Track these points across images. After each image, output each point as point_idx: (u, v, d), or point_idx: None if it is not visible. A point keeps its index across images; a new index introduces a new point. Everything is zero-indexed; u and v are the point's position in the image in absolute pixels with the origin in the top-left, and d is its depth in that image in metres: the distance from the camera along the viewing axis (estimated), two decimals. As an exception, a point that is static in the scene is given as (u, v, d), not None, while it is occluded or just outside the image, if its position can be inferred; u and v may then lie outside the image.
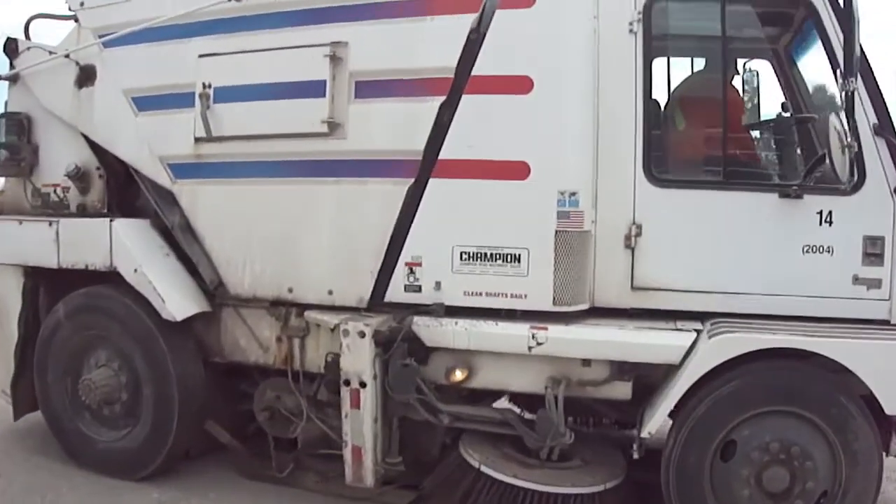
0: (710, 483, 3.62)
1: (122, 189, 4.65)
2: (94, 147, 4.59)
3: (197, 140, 4.22)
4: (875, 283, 3.71)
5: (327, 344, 4.07)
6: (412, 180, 3.89)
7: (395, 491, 4.16)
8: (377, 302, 4.00)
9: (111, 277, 4.29)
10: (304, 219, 4.09)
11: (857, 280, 3.72)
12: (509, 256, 3.81)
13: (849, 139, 3.38)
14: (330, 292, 4.04)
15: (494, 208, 3.83)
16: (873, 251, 3.70)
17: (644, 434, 3.63)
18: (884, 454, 3.63)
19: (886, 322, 3.71)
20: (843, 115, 3.44)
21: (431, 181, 3.88)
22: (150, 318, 4.16)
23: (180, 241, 4.27)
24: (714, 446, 3.60)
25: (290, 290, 4.10)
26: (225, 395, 4.43)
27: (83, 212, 4.59)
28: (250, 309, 4.24)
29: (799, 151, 4.17)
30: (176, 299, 4.15)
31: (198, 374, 4.27)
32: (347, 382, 3.82)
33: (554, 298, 3.78)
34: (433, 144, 3.86)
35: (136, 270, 4.19)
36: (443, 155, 3.86)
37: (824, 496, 3.56)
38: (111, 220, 4.34)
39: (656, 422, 3.62)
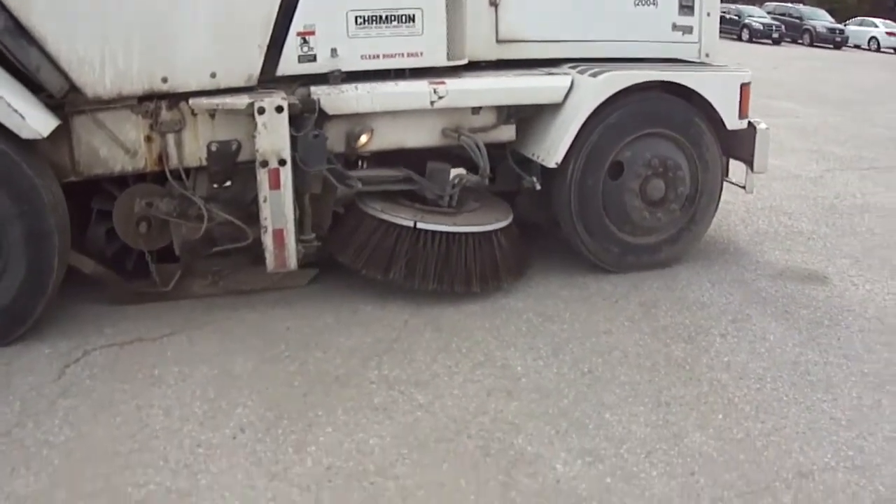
0: (603, 199, 4.30)
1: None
2: None
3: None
4: (688, 30, 4.62)
5: (209, 132, 3.72)
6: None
7: (295, 272, 4.00)
8: (268, 77, 3.74)
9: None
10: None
11: (675, 27, 4.59)
12: (404, 17, 3.87)
13: None
14: (213, 75, 3.63)
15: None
16: (687, 3, 4.59)
17: (551, 164, 4.12)
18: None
19: (694, 61, 4.67)
20: None
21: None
22: (4, 144, 3.32)
23: (9, 49, 3.37)
24: (605, 168, 4.25)
25: (165, 80, 3.58)
26: (75, 220, 3.75)
27: None
28: (110, 111, 3.58)
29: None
30: (34, 113, 3.34)
31: (62, 199, 3.53)
32: (265, 164, 3.59)
33: (448, 54, 3.98)
34: None
35: None
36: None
37: (686, 199, 4.48)
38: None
39: (561, 152, 4.12)
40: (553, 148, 4.13)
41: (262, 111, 3.53)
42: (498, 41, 4.25)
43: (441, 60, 3.97)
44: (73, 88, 3.51)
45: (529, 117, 4.27)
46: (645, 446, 2.90)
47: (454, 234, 3.95)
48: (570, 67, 4.27)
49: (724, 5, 33.06)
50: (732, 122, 4.43)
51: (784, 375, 3.44)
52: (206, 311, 3.90)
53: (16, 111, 3.26)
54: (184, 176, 3.77)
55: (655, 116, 4.30)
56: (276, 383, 3.28)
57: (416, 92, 3.90)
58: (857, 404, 3.23)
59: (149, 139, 3.68)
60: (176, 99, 3.66)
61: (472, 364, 3.46)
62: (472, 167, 4.21)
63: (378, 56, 3.88)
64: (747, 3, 33.68)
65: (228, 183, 3.91)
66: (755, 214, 5.73)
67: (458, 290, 3.96)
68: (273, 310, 3.94)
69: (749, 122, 4.53)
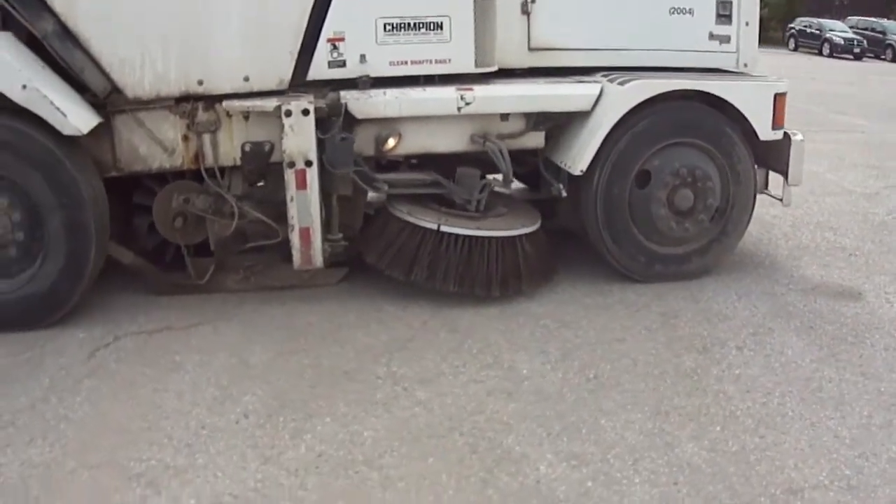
0: (629, 208, 4.30)
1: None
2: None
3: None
4: (726, 39, 4.57)
5: (242, 133, 3.92)
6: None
7: (325, 271, 4.19)
8: (298, 82, 3.92)
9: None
10: (212, 5, 3.78)
11: (712, 36, 4.55)
12: (432, 24, 3.98)
13: None
14: (246, 79, 3.84)
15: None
16: (724, 13, 4.54)
17: (577, 172, 4.16)
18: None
19: (733, 71, 4.62)
20: None
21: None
22: (50, 140, 3.59)
23: (57, 52, 3.64)
24: (633, 176, 4.25)
25: (201, 83, 3.80)
26: (115, 213, 4.01)
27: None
28: (150, 111, 3.84)
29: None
30: (76, 111, 3.62)
31: (103, 193, 3.81)
32: (292, 164, 3.77)
33: (476, 60, 4.07)
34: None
35: (24, 87, 3.51)
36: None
37: (717, 211, 4.44)
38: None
39: (586, 159, 4.15)
40: (579, 155, 4.15)
41: (288, 114, 3.71)
42: (530, 49, 4.31)
43: (469, 67, 4.07)
44: (115, 89, 3.77)
45: (561, 125, 4.32)
46: (633, 453, 2.90)
47: (477, 237, 4.02)
48: (603, 76, 4.29)
49: (806, 19, 32.19)
50: (765, 132, 4.35)
51: (794, 391, 3.35)
52: (236, 304, 4.10)
53: (58, 109, 3.53)
54: (218, 175, 3.98)
55: (684, 126, 4.26)
56: (288, 374, 3.43)
57: (443, 98, 4.00)
58: (867, 423, 3.12)
59: (186, 138, 3.91)
60: (211, 101, 3.88)
61: (480, 365, 3.52)
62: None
63: (406, 62, 4.00)
64: (831, 17, 32.44)
65: (262, 182, 4.12)
66: (800, 229, 5.56)
67: (478, 293, 4.03)
68: (299, 305, 4.10)
69: (785, 133, 4.44)
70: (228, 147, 3.95)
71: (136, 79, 3.76)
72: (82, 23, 3.66)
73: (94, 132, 3.75)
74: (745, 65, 4.62)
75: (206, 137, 3.92)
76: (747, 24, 4.55)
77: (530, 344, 3.72)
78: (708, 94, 4.25)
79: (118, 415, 3.12)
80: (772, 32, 33.58)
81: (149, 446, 2.90)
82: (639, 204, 4.28)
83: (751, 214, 4.52)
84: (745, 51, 4.60)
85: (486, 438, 2.98)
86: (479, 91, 4.03)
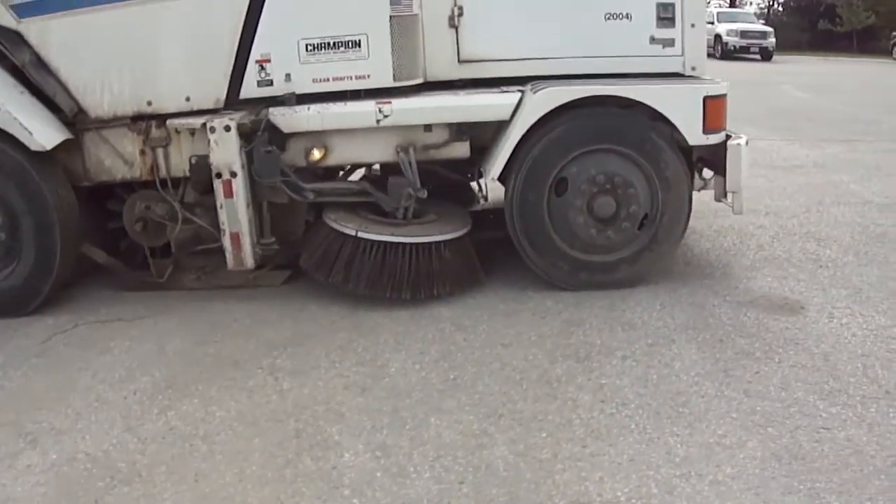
0: (548, 215, 4.34)
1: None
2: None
3: (34, -25, 4.28)
4: (669, 43, 4.47)
5: (189, 148, 4.39)
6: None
7: (270, 273, 4.65)
8: (233, 101, 4.33)
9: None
10: (156, 36, 4.30)
11: (653, 40, 4.46)
12: (350, 43, 4.25)
13: None
14: (188, 99, 4.32)
15: (333, 1, 4.23)
16: (666, 15, 4.44)
17: (488, 178, 4.28)
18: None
19: (680, 75, 4.51)
20: None
21: (271, -18, 4.21)
22: (20, 154, 4.28)
23: (33, 78, 4.34)
24: (549, 183, 4.30)
25: (150, 104, 4.34)
26: (93, 218, 4.64)
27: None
28: (111, 129, 4.43)
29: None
30: (41, 129, 4.27)
31: (71, 199, 4.44)
32: (219, 175, 4.20)
33: (394, 75, 4.29)
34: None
35: None
36: (277, -44, 4.18)
37: (646, 218, 4.37)
38: (-38, 65, 4.36)
39: (498, 166, 4.27)
40: (492, 162, 4.26)
41: (213, 130, 4.14)
42: (460, 61, 4.45)
43: (388, 81, 4.28)
44: (81, 110, 4.39)
45: (483, 137, 4.43)
46: (440, 451, 3.00)
47: (391, 243, 4.24)
48: (531, 85, 4.35)
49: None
50: (695, 136, 4.22)
51: (655, 404, 3.27)
52: (185, 301, 4.56)
53: (26, 128, 4.19)
54: (170, 185, 4.48)
55: (603, 132, 4.23)
56: (188, 362, 3.84)
57: (362, 111, 4.25)
58: (713, 443, 2.98)
59: (143, 153, 4.46)
60: (162, 119, 4.39)
61: (355, 362, 3.74)
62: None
63: (328, 79, 4.29)
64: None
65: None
66: (781, 239, 5.22)
67: (389, 295, 4.24)
68: (236, 304, 4.49)
69: (728, 137, 4.28)
70: (178, 160, 4.45)
71: (97, 101, 4.35)
72: (53, 54, 4.32)
73: (67, 147, 4.40)
74: (693, 68, 4.46)
75: (160, 152, 4.45)
76: (693, 25, 4.40)
77: (416, 345, 3.88)
78: (639, 100, 4.19)
79: (39, 386, 3.66)
80: (883, 42, 30.49)
81: (48, 412, 3.40)
82: (557, 212, 4.29)
83: (685, 222, 4.38)
84: (692, 54, 4.44)
85: (315, 426, 3.21)
86: (398, 104, 4.24)
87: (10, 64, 4.34)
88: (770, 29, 28.18)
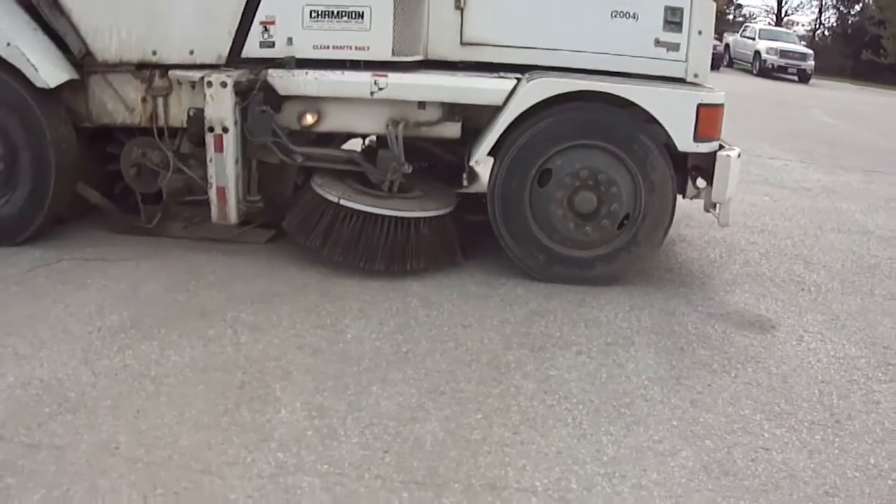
0: (530, 205, 4.35)
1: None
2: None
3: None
4: (674, 47, 4.43)
5: (189, 100, 4.47)
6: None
7: (255, 230, 4.74)
8: (234, 58, 4.41)
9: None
10: (167, -14, 4.41)
11: (658, 43, 4.43)
12: (354, 13, 4.29)
13: None
14: (191, 52, 4.41)
15: (340, -29, 4.29)
16: (673, 19, 4.40)
17: (472, 162, 4.30)
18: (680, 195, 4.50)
19: (682, 80, 4.47)
20: None
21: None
22: (25, 89, 4.40)
23: (46, 17, 4.45)
24: (533, 173, 4.31)
25: (154, 53, 4.44)
26: (93, 159, 4.76)
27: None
28: (116, 73, 4.54)
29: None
30: (48, 67, 4.39)
31: (70, 138, 4.56)
32: (211, 129, 4.27)
33: (393, 49, 4.32)
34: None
35: (8, 44, 4.36)
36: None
37: (627, 218, 4.36)
38: (-26, -2, 4.49)
39: (483, 152, 4.30)
40: (478, 146, 4.27)
41: (209, 84, 4.21)
42: (462, 43, 4.46)
43: (386, 55, 4.32)
44: (89, 52, 4.49)
45: (478, 119, 4.44)
46: (374, 419, 3.02)
47: (369, 213, 4.29)
48: (529, 74, 4.34)
49: None
50: (685, 143, 4.19)
51: (598, 401, 3.27)
52: (168, 248, 4.66)
53: (32, 65, 4.31)
54: (167, 134, 4.58)
55: (592, 128, 4.22)
56: (157, 306, 3.93)
57: (358, 82, 4.30)
58: (646, 447, 2.95)
59: (144, 100, 4.56)
60: (165, 69, 4.48)
61: (315, 325, 3.80)
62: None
63: (329, 47, 4.34)
64: None
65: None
66: (769, 258, 5.16)
67: (362, 265, 4.30)
68: (217, 256, 4.59)
69: (721, 146, 4.24)
70: (177, 111, 4.54)
71: (105, 45, 4.46)
72: (67, -7, 4.44)
73: (73, 87, 4.52)
74: (696, 75, 4.41)
75: (160, 101, 4.54)
76: (700, 32, 4.36)
77: (378, 315, 3.92)
78: (630, 99, 4.17)
79: (13, 314, 3.77)
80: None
81: (15, 338, 3.52)
82: (538, 202, 4.30)
83: (667, 228, 4.35)
84: (696, 60, 4.39)
85: (261, 381, 3.28)
86: (394, 78, 4.28)
87: (27, 2, 4.47)
88: (810, 52, 27.55)
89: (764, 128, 12.34)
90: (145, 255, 4.54)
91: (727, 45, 29.92)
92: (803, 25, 43.94)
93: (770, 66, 26.41)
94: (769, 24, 38.78)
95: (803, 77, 26.45)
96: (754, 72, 26.70)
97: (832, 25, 41.48)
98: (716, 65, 26.70)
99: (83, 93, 4.60)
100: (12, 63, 4.33)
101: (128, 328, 3.67)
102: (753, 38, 27.99)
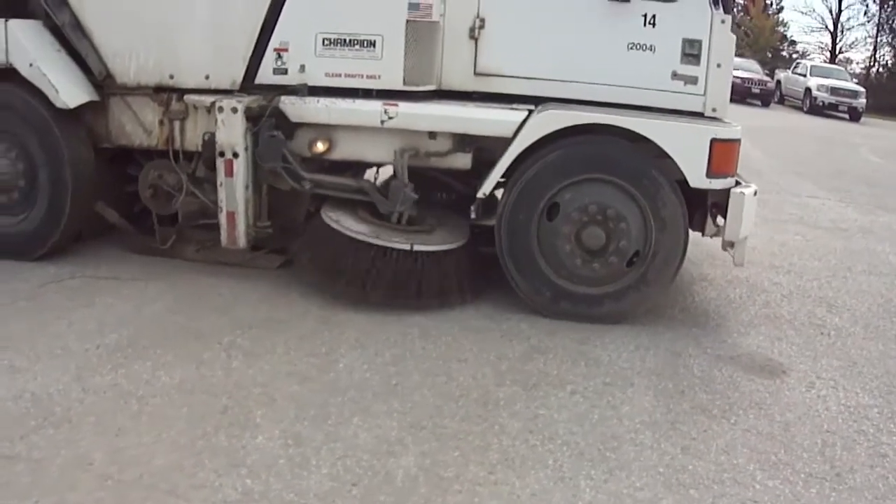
0: (537, 239, 4.27)
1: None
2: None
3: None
4: (692, 80, 4.31)
5: (204, 124, 4.54)
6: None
7: (266, 255, 4.76)
8: (248, 84, 4.48)
9: (9, 75, 4.61)
10: (183, 13, 4.49)
11: (675, 76, 4.32)
12: (366, 42, 4.32)
13: None
14: (207, 77, 4.49)
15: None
16: (691, 52, 4.29)
17: (480, 194, 4.25)
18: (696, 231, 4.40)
19: (700, 114, 4.34)
20: None
21: (298, -25, 4.32)
22: (45, 109, 4.55)
23: (70, 39, 4.61)
24: (541, 207, 4.24)
25: (172, 77, 4.54)
26: (112, 180, 4.87)
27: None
28: (135, 96, 4.65)
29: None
30: (68, 89, 4.53)
31: (88, 158, 4.69)
32: (222, 154, 4.33)
33: (404, 79, 4.33)
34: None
35: (31, 65, 4.53)
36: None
37: (636, 255, 4.25)
38: (6, 20, 4.63)
39: (490, 183, 4.25)
40: (486, 179, 4.22)
41: (220, 110, 4.28)
42: (476, 73, 4.42)
43: (397, 84, 4.33)
44: (109, 75, 4.62)
45: (489, 150, 4.39)
46: (348, 451, 2.97)
47: (376, 245, 4.24)
48: (542, 107, 4.28)
49: None
50: (697, 179, 4.07)
51: (583, 444, 3.14)
52: (180, 270, 4.72)
53: (53, 86, 4.45)
54: (181, 157, 4.65)
55: (602, 161, 4.14)
56: (158, 327, 3.96)
57: (369, 110, 4.31)
58: (625, 493, 2.82)
59: (161, 123, 4.65)
60: (182, 93, 4.57)
61: (309, 353, 3.77)
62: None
63: (341, 75, 4.37)
64: None
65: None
66: (791, 300, 4.95)
67: (350, 292, 4.26)
68: (225, 280, 4.62)
69: (738, 183, 4.11)
70: (193, 135, 4.62)
71: (124, 68, 4.58)
72: (89, 18, 4.58)
73: (94, 108, 4.65)
74: (714, 109, 4.27)
75: (177, 124, 4.63)
76: (719, 65, 4.22)
77: (374, 346, 3.87)
78: (641, 133, 4.07)
79: (16, 328, 3.86)
80: None
81: (13, 352, 3.59)
82: (546, 236, 4.21)
83: (678, 265, 4.21)
84: (715, 94, 4.25)
85: (244, 406, 3.26)
86: (404, 107, 4.27)
87: (53, 24, 4.62)
88: (862, 89, 26.76)
89: (806, 165, 12.00)
90: (155, 276, 4.60)
91: (778, 82, 29.37)
92: (858, 63, 42.77)
93: (821, 103, 25.76)
94: (823, 61, 37.87)
95: (854, 115, 25.77)
96: (805, 109, 26.06)
97: (887, 63, 40.32)
98: (767, 101, 26.18)
99: (103, 114, 4.72)
100: (34, 83, 4.48)
101: (125, 347, 3.71)
102: (805, 75, 27.34)
